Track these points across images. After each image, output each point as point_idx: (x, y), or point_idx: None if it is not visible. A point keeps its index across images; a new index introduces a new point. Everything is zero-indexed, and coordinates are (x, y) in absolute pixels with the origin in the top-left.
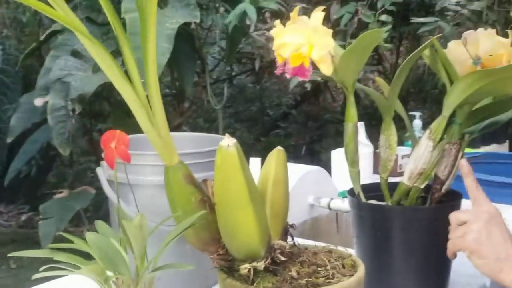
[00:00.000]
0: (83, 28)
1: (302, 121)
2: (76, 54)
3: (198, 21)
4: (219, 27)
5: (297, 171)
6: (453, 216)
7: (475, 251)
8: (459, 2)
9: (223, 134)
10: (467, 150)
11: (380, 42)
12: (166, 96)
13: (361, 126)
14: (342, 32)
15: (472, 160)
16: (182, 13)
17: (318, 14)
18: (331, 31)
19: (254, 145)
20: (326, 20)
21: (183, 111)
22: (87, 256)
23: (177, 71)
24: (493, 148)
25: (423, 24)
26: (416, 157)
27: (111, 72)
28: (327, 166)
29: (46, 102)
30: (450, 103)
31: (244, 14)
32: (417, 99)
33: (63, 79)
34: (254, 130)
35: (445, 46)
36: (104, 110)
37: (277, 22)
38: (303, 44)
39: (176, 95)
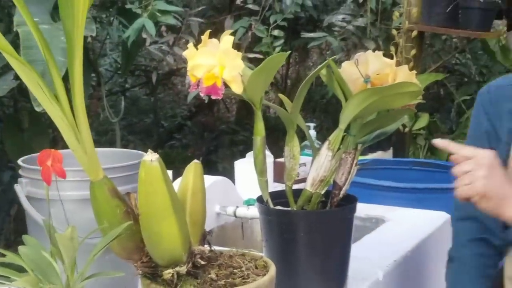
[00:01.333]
0: (11, 50)
1: (198, 132)
2: None
3: (94, 34)
4: (113, 40)
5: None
6: (457, 168)
7: (484, 196)
8: (344, 18)
9: (120, 148)
10: None
11: None
12: None
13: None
14: (237, 46)
15: (361, 167)
16: None
17: (228, 37)
18: (240, 54)
19: None
20: (221, 34)
21: None
22: (18, 269)
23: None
24: (379, 155)
25: (313, 38)
26: (317, 166)
27: (39, 92)
28: (225, 175)
29: None
30: (345, 117)
31: (142, 28)
32: (307, 109)
33: None
34: (149, 142)
35: (332, 59)
36: None
37: (190, 45)
38: (215, 65)
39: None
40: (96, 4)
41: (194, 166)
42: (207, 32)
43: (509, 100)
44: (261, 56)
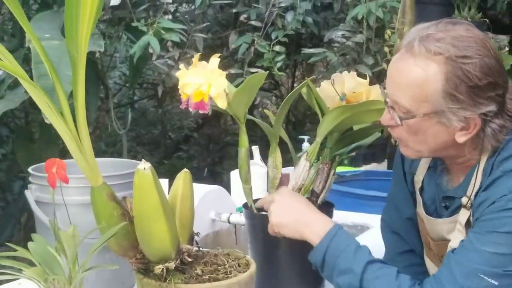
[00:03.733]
0: (25, 76)
1: (204, 144)
2: None
3: (102, 50)
4: (121, 55)
5: (200, 190)
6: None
7: (279, 224)
8: (344, 35)
9: (128, 158)
10: (350, 168)
11: (274, 71)
12: None
13: (255, 149)
14: (240, 61)
15: (353, 178)
16: None
17: (215, 59)
18: (225, 73)
19: (157, 168)
20: (225, 49)
21: None
22: (28, 263)
23: None
24: (373, 166)
25: (313, 54)
26: (296, 175)
27: (48, 110)
28: (228, 186)
29: None
30: (321, 131)
31: (148, 45)
32: (314, 121)
33: None
34: (156, 153)
35: (332, 73)
36: (1, 136)
37: (182, 66)
38: (203, 83)
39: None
40: (105, 20)
41: (183, 175)
42: (197, 55)
43: None
44: (263, 71)
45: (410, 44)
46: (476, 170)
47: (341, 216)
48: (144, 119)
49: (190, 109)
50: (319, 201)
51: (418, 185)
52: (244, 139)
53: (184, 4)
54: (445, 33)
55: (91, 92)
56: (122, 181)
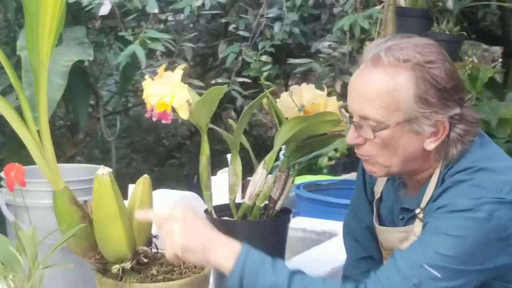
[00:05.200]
0: None
1: (195, 151)
2: None
3: (91, 59)
4: (111, 62)
5: (173, 196)
6: (160, 231)
7: (186, 248)
8: (330, 45)
9: (116, 165)
10: (328, 177)
11: (261, 80)
12: (60, 128)
13: (229, 157)
14: (229, 70)
15: (330, 186)
16: (76, 51)
17: (179, 71)
18: (187, 86)
19: (149, 175)
20: (214, 58)
21: (77, 142)
22: None
23: (71, 104)
24: (352, 175)
25: (299, 64)
26: (254, 182)
27: (10, 116)
28: None
29: None
30: (278, 140)
31: (134, 54)
32: None
33: None
34: (149, 160)
35: (318, 84)
36: None
37: (147, 76)
38: (165, 95)
39: (70, 127)
40: (96, 29)
41: (143, 181)
42: (163, 66)
43: None
44: (249, 81)
45: (376, 56)
46: (430, 182)
47: (310, 223)
48: (138, 126)
49: (153, 119)
50: (277, 207)
51: (376, 196)
52: (205, 147)
53: (176, 14)
54: (406, 43)
55: (80, 99)
56: (85, 186)
